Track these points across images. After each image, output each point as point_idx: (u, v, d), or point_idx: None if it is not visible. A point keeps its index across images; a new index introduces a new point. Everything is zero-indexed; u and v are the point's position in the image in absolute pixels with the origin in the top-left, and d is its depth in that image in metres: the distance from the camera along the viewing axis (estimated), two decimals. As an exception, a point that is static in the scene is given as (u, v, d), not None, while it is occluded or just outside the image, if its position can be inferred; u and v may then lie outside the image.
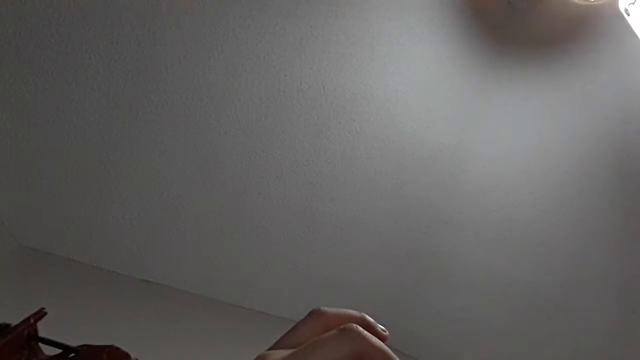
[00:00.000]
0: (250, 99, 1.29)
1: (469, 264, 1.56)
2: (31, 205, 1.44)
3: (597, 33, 1.19)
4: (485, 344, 1.70)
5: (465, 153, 1.40)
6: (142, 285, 1.57)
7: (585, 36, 1.20)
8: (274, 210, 1.47)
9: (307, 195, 1.45)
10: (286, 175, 1.41)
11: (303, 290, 1.62)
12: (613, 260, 1.51)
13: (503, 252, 1.53)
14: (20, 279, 1.43)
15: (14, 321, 0.69)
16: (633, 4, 0.98)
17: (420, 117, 1.34)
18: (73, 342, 0.72)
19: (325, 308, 0.29)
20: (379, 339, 0.27)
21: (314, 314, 0.29)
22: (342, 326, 0.26)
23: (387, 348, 0.26)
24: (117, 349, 0.70)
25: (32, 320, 0.70)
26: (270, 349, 0.28)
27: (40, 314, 0.72)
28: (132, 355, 0.71)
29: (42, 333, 0.72)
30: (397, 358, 0.27)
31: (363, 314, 0.29)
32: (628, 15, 0.99)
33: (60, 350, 0.70)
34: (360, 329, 0.26)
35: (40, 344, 0.72)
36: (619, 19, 1.10)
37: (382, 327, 0.29)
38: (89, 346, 0.70)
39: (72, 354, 0.70)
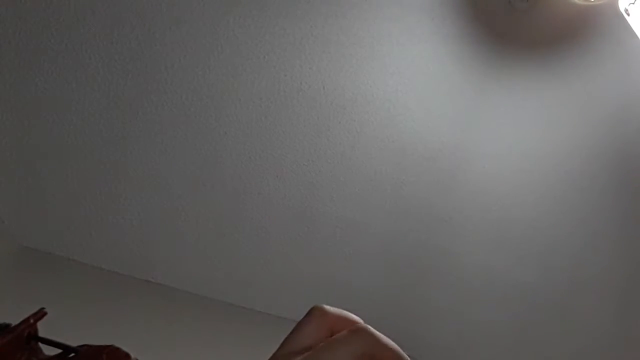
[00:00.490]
0: (250, 99, 1.29)
1: (469, 264, 1.56)
2: (31, 205, 1.44)
3: (597, 33, 1.19)
4: (485, 344, 1.70)
5: (465, 153, 1.40)
6: (142, 285, 1.57)
7: (585, 36, 1.20)
8: (274, 210, 1.47)
9: (307, 195, 1.45)
10: (286, 175, 1.41)
11: (303, 290, 1.62)
12: (613, 261, 1.51)
13: (503, 252, 1.53)
14: (20, 279, 1.43)
15: (14, 321, 0.69)
16: (633, 4, 0.98)
17: (420, 117, 1.34)
18: (73, 342, 0.72)
19: (326, 306, 0.29)
20: None
21: (317, 313, 0.29)
22: (353, 327, 0.26)
23: (398, 348, 0.26)
24: (117, 349, 0.70)
25: (32, 320, 0.70)
26: (277, 351, 0.28)
27: (40, 314, 0.71)
28: (132, 355, 0.71)
29: (42, 333, 0.72)
30: (408, 358, 0.27)
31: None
32: (628, 15, 0.99)
33: (60, 350, 0.70)
34: (372, 329, 0.26)
35: (40, 344, 0.72)
36: (619, 19, 1.10)
37: None
38: (89, 346, 0.70)
39: (72, 354, 0.70)
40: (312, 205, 1.46)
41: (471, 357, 1.75)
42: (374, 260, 1.58)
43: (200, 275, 1.59)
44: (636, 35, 1.02)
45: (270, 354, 0.27)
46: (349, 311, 0.30)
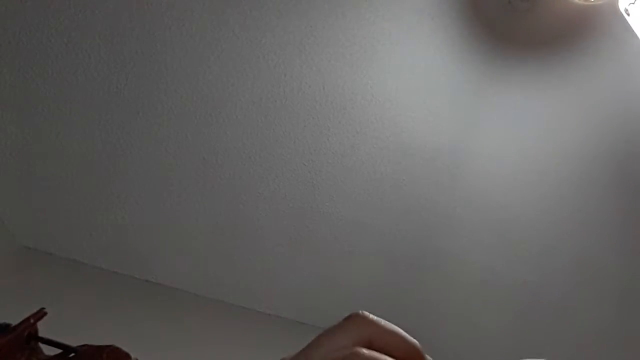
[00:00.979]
0: (250, 99, 1.29)
1: (469, 264, 1.56)
2: (31, 205, 1.44)
3: (597, 33, 1.19)
4: (485, 344, 1.70)
5: (465, 153, 1.40)
6: (142, 285, 1.57)
7: (585, 36, 1.20)
8: (274, 210, 1.47)
9: (307, 195, 1.45)
10: (286, 175, 1.41)
11: (303, 290, 1.62)
12: (613, 260, 1.51)
13: (503, 252, 1.53)
14: (20, 279, 1.43)
15: (14, 321, 0.69)
16: (633, 4, 0.98)
17: (420, 117, 1.34)
18: (73, 342, 0.72)
19: (368, 314, 0.26)
20: None
21: (354, 319, 0.26)
22: (350, 314, 0.26)
23: (402, 332, 0.26)
24: (117, 349, 0.70)
25: (32, 320, 0.70)
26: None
27: (40, 314, 0.72)
28: (132, 355, 0.71)
29: (42, 333, 0.72)
30: (411, 338, 0.26)
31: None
32: (628, 15, 0.99)
33: (60, 350, 0.71)
34: (369, 314, 0.26)
35: (40, 344, 0.72)
36: (619, 19, 1.10)
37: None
38: (89, 346, 0.70)
39: (72, 354, 0.70)
40: (312, 205, 1.46)
41: (471, 357, 1.75)
42: (374, 260, 1.58)
43: (200, 275, 1.59)
44: (636, 35, 1.02)
45: (271, 354, 0.27)
46: (349, 311, 0.29)
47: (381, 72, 1.27)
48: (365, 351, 0.24)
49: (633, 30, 1.01)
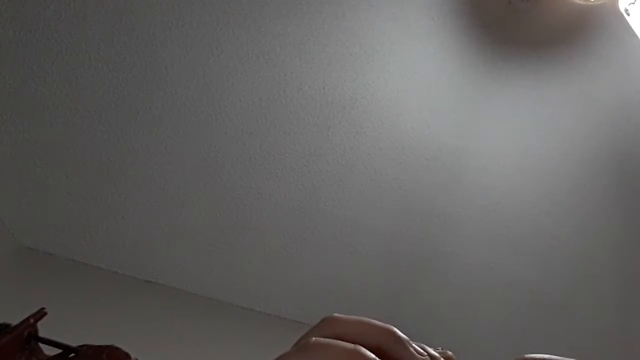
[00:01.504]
0: (250, 99, 1.29)
1: (469, 264, 1.56)
2: (31, 205, 1.44)
3: (597, 33, 1.19)
4: (485, 344, 1.70)
5: (465, 153, 1.40)
6: (142, 285, 1.57)
7: (585, 36, 1.20)
8: (273, 210, 1.47)
9: (307, 195, 1.45)
10: (286, 175, 1.41)
11: (303, 290, 1.62)
12: (613, 261, 1.51)
13: (503, 252, 1.53)
14: (20, 279, 1.43)
15: (14, 321, 0.69)
16: (633, 4, 0.98)
17: (420, 117, 1.34)
18: (73, 342, 0.72)
19: (338, 314, 0.28)
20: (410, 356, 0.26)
21: (325, 321, 0.29)
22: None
23: (366, 319, 0.27)
24: (117, 349, 0.70)
25: (32, 320, 0.70)
26: None
27: (40, 314, 0.72)
28: (132, 356, 0.71)
29: (42, 333, 0.72)
30: (381, 323, 0.26)
31: (392, 327, 0.27)
32: (628, 15, 0.99)
33: (60, 350, 0.71)
34: (337, 314, 0.27)
35: (40, 344, 0.72)
36: (619, 19, 1.10)
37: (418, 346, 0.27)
38: (89, 346, 0.70)
39: (72, 354, 0.70)
40: (312, 205, 1.46)
41: (471, 357, 1.75)
42: (374, 260, 1.58)
43: (200, 275, 1.59)
44: (636, 35, 1.02)
45: (270, 354, 0.27)
46: (349, 311, 0.29)
47: (381, 72, 1.27)
48: (314, 338, 0.25)
49: (633, 30, 1.01)
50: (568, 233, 1.48)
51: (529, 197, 1.45)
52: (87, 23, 1.16)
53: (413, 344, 0.26)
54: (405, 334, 0.27)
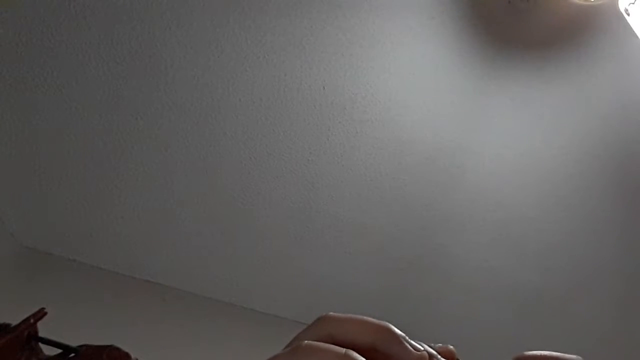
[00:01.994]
0: (250, 99, 1.29)
1: (469, 264, 1.56)
2: (31, 205, 1.44)
3: (597, 33, 1.19)
4: (485, 344, 1.70)
5: (465, 153, 1.40)
6: (142, 285, 1.57)
7: (585, 36, 1.20)
8: (273, 210, 1.47)
9: (307, 195, 1.45)
10: (286, 175, 1.41)
11: (303, 290, 1.62)
12: (613, 261, 1.51)
13: (503, 252, 1.53)
14: (20, 279, 1.43)
15: (14, 321, 0.69)
16: (633, 4, 0.98)
17: (420, 117, 1.34)
18: (73, 342, 0.72)
19: (332, 313, 0.28)
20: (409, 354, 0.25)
21: (319, 320, 0.29)
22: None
23: (360, 316, 0.27)
24: (117, 349, 0.70)
25: (32, 320, 0.70)
26: None
27: (40, 314, 0.72)
28: (132, 355, 0.71)
29: (42, 333, 0.72)
30: (375, 320, 0.26)
31: (387, 324, 0.27)
32: (628, 15, 0.99)
33: (60, 350, 0.71)
34: (331, 313, 0.27)
35: (40, 344, 0.72)
36: (619, 19, 1.10)
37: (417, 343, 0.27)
38: (89, 346, 0.70)
39: (72, 354, 0.70)
40: (312, 205, 1.46)
41: (471, 357, 1.75)
42: (374, 260, 1.58)
43: (200, 275, 1.59)
44: (636, 35, 1.02)
45: (270, 354, 0.27)
46: (349, 311, 0.29)
47: (381, 72, 1.27)
48: (305, 342, 0.25)
49: (633, 30, 1.01)
50: (568, 233, 1.48)
51: (529, 197, 1.45)
52: (87, 23, 1.16)
53: (409, 341, 0.26)
54: (405, 334, 0.27)
